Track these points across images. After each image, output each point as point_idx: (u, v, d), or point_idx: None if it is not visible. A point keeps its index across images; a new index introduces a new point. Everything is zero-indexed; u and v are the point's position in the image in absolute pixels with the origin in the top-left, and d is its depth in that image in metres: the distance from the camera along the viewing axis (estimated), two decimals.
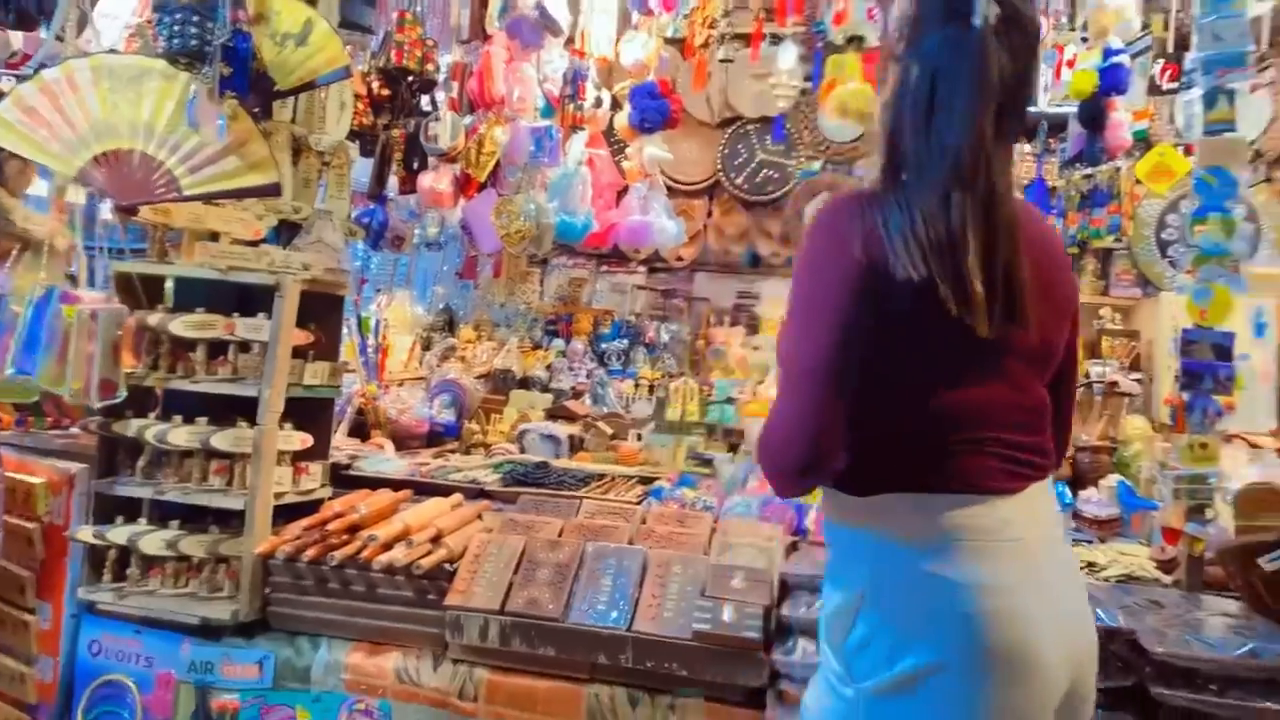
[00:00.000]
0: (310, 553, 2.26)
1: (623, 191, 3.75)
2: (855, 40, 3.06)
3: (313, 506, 2.58)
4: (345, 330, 3.57)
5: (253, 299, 2.60)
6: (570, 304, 4.02)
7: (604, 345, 3.76)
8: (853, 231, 1.11)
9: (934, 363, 1.14)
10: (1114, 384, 3.12)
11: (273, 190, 2.60)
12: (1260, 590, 1.90)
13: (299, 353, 2.75)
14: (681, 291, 4.52)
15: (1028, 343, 1.17)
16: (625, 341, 3.79)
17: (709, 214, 4.78)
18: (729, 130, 4.72)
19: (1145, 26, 3.42)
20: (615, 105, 3.86)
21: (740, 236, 4.71)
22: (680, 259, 4.70)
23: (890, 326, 1.11)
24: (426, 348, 3.87)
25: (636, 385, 3.62)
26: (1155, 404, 3.24)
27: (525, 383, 3.58)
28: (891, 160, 1.19)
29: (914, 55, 1.17)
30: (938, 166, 1.12)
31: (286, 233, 2.99)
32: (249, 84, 2.30)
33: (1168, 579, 2.14)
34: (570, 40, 3.60)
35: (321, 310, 2.89)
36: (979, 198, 1.11)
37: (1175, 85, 3.20)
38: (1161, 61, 3.25)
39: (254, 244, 2.69)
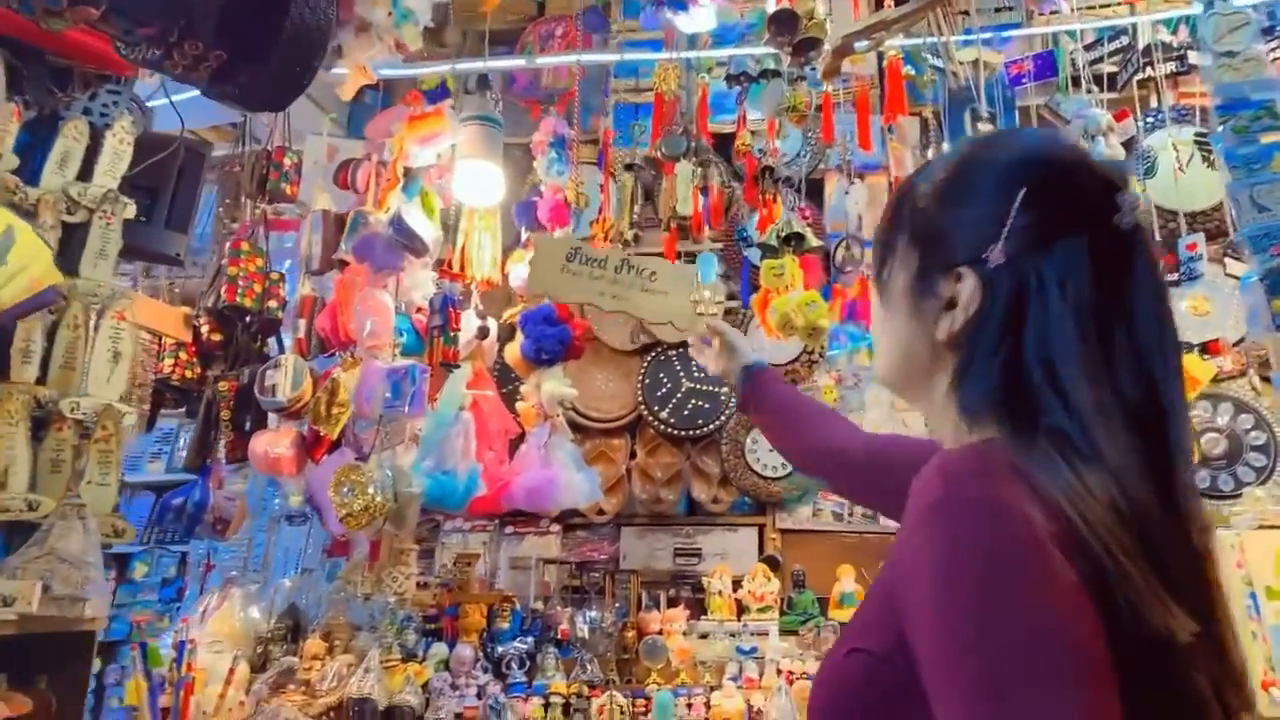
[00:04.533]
0: None
1: (518, 440, 2.95)
2: (792, 240, 2.45)
3: None
4: (132, 666, 2.57)
5: None
6: (459, 591, 3.08)
7: (500, 648, 2.79)
8: (1034, 523, 0.62)
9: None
10: None
11: None
12: None
13: None
14: (603, 556, 3.62)
15: None
16: (529, 640, 2.82)
17: (632, 455, 4.00)
18: (648, 357, 4.06)
19: None
20: (508, 335, 3.16)
21: (671, 480, 3.91)
22: (602, 512, 3.85)
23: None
24: (262, 668, 2.84)
25: (547, 706, 2.62)
26: None
27: (391, 715, 2.55)
28: (1020, 405, 0.72)
29: (1048, 265, 0.73)
30: (1122, 433, 0.68)
31: (19, 540, 2.09)
32: None
33: None
34: (446, 263, 2.93)
35: (55, 658, 1.95)
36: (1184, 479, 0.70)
37: (1174, 277, 2.66)
38: None
39: None
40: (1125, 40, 2.99)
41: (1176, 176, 3.03)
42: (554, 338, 2.87)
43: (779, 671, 2.65)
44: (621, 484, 3.91)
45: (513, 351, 2.94)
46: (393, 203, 2.67)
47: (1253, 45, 2.02)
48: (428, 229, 2.66)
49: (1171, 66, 2.93)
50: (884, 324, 0.87)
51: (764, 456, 3.89)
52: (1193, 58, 2.84)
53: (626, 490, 3.90)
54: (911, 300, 0.81)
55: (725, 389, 3.99)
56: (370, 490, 2.30)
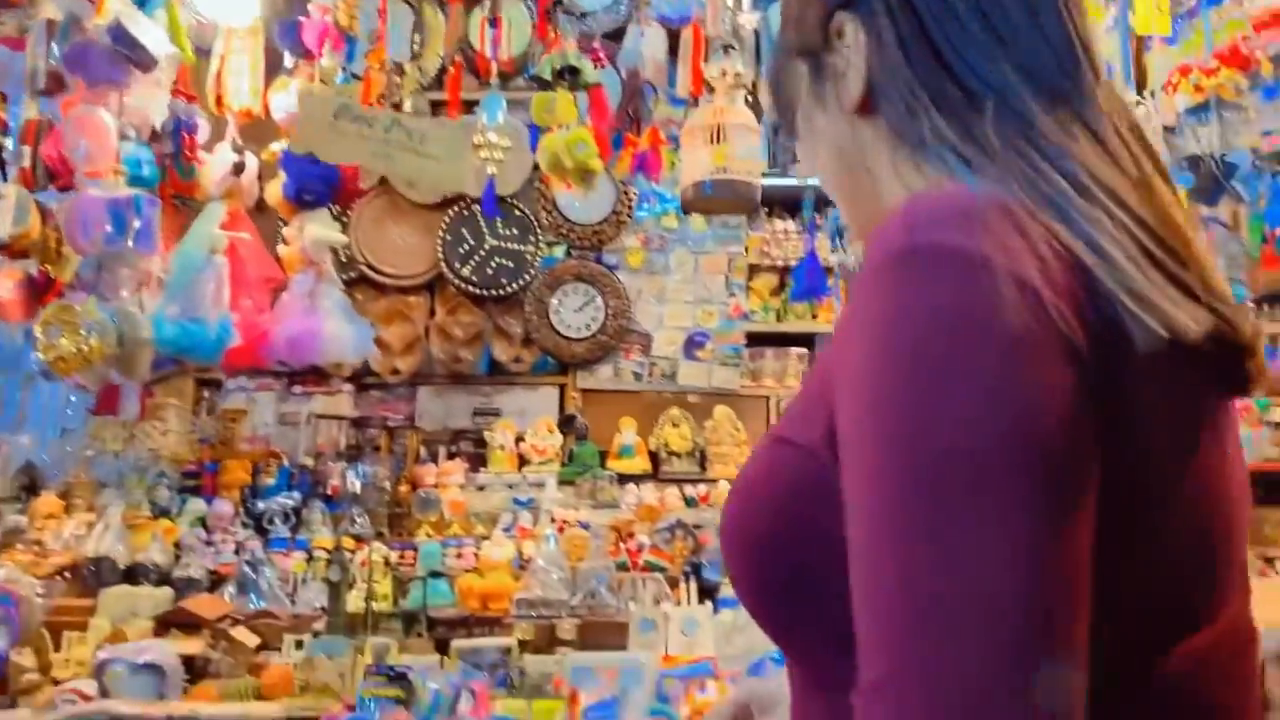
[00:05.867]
0: None
1: (280, 288, 2.74)
2: (567, 73, 2.29)
3: None
4: None
5: None
6: (221, 446, 2.90)
7: (262, 504, 2.66)
8: (1030, 285, 0.47)
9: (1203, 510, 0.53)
10: None
11: None
12: None
13: None
14: (399, 415, 3.51)
15: None
16: (296, 496, 2.71)
17: (431, 313, 3.84)
18: (450, 212, 3.85)
19: None
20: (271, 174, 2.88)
21: (472, 340, 3.79)
22: (396, 371, 3.70)
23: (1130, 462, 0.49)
24: None
25: (310, 559, 2.54)
26: None
27: (133, 574, 2.40)
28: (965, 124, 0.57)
29: None
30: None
31: None
32: None
33: None
34: (179, 81, 2.62)
35: None
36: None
37: None
38: None
39: None
40: None
41: None
42: (319, 177, 2.64)
43: (552, 520, 2.66)
44: (419, 343, 3.76)
45: (274, 192, 2.69)
46: (112, 6, 2.31)
47: None
48: (157, 38, 2.33)
49: None
50: (821, 160, 0.70)
51: (567, 317, 3.83)
52: None
53: (424, 349, 3.77)
54: (818, 97, 0.67)
55: (530, 248, 3.86)
56: (83, 332, 2.07)
